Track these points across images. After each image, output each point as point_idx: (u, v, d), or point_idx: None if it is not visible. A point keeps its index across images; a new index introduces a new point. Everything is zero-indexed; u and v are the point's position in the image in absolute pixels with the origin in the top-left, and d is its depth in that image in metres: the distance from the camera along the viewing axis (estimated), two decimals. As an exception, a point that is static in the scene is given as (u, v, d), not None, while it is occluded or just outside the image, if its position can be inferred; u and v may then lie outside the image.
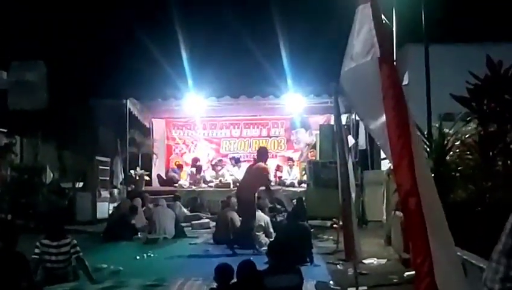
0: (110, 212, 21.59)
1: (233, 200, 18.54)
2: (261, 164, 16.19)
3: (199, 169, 26.87)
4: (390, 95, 4.34)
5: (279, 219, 17.34)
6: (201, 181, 26.14)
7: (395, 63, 4.90)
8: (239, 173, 26.14)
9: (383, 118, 4.75)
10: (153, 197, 21.56)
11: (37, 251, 11.11)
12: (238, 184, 19.84)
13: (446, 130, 10.26)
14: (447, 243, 4.00)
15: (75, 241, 11.52)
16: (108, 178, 24.29)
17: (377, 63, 4.79)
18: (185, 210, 21.82)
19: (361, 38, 5.25)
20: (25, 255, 10.39)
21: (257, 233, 15.46)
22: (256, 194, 16.30)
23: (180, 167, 28.19)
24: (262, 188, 16.43)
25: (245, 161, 27.60)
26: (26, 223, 18.72)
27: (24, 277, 9.92)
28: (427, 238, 3.71)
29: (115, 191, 24.38)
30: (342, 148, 9.18)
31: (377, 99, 4.95)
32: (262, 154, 16.62)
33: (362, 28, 5.21)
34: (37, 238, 11.61)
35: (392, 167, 4.79)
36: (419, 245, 3.66)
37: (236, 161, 27.23)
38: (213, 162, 27.52)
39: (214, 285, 8.28)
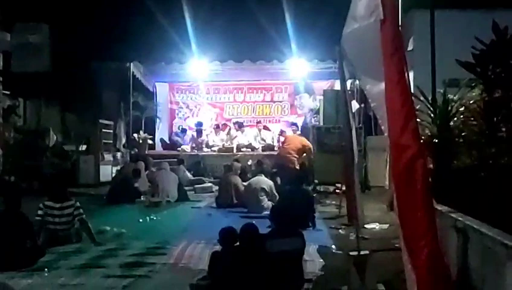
0: (113, 175, 21.65)
1: (236, 164, 18.58)
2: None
3: (201, 133, 26.85)
4: (395, 59, 4.31)
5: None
6: (204, 145, 26.16)
7: (400, 28, 4.85)
8: (242, 137, 26.19)
9: (383, 82, 4.73)
10: (156, 160, 21.61)
11: (40, 212, 11.16)
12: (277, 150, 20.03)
13: (450, 96, 10.21)
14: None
15: (78, 204, 11.55)
16: (111, 141, 24.36)
17: (379, 26, 4.75)
18: (188, 174, 21.85)
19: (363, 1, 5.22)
20: (28, 216, 10.47)
21: (260, 197, 15.49)
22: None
23: (183, 130, 28.16)
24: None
25: (248, 126, 27.61)
26: (29, 185, 18.78)
27: (27, 237, 9.99)
28: (432, 203, 3.71)
29: (118, 154, 24.44)
30: (346, 114, 9.13)
31: (377, 63, 4.92)
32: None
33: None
34: (40, 200, 11.65)
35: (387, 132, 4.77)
36: (424, 210, 3.65)
37: (240, 126, 27.19)
38: (216, 126, 27.47)
39: (217, 248, 8.32)
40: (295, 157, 17.95)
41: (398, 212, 4.26)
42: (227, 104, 29.58)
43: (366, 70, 5.39)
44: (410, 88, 4.18)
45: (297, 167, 18.20)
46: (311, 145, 18.63)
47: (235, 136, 26.45)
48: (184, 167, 21.66)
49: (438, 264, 3.45)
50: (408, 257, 3.65)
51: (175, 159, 22.11)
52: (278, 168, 18.38)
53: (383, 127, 5.42)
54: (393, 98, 4.18)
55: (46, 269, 9.30)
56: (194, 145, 26.27)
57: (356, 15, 5.32)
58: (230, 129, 27.23)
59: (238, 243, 7.91)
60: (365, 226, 12.33)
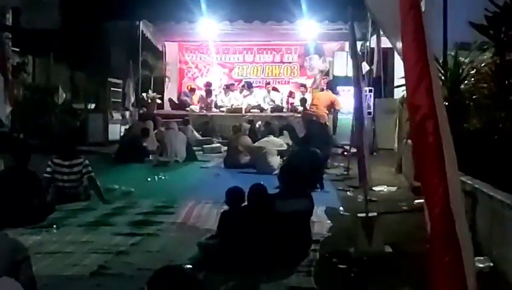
0: (122, 134, 21.68)
1: (245, 125, 18.57)
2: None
3: (210, 93, 26.84)
4: (411, 17, 4.25)
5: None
6: (212, 105, 26.17)
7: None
8: (251, 98, 26.16)
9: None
10: (165, 120, 21.61)
11: (49, 169, 11.22)
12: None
13: (462, 59, 10.16)
14: (455, 170, 3.96)
15: (87, 162, 11.60)
16: (120, 100, 24.37)
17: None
18: (197, 134, 21.88)
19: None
20: (37, 173, 10.51)
21: (270, 157, 15.51)
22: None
23: (192, 90, 28.13)
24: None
25: (257, 87, 27.57)
26: (38, 143, 18.82)
27: (36, 194, 10.03)
28: (444, 162, 3.68)
29: (127, 113, 24.45)
30: (357, 75, 9.09)
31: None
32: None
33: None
34: (49, 157, 11.68)
35: (405, 93, 4.75)
36: (436, 168, 3.63)
37: (249, 86, 27.16)
38: (225, 87, 27.43)
39: (225, 208, 8.34)
40: (326, 113, 17.85)
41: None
42: (236, 64, 29.52)
43: (393, 28, 5.33)
44: (426, 46, 4.13)
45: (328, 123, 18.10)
46: (338, 99, 18.49)
47: (246, 96, 26.44)
48: (191, 126, 21.66)
49: (448, 222, 3.43)
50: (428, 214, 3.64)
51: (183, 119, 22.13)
52: (309, 127, 18.27)
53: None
54: (408, 55, 4.14)
55: (54, 226, 9.37)
56: (202, 105, 26.28)
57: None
58: (240, 90, 27.18)
59: (246, 203, 7.94)
60: (373, 188, 12.35)
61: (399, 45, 4.71)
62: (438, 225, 3.45)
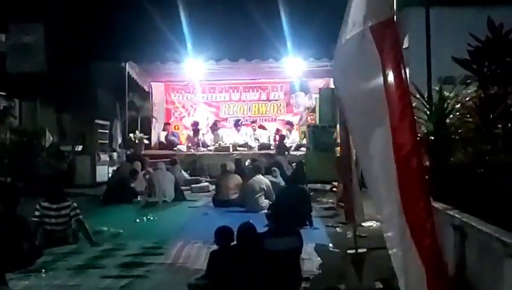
0: (110, 175, 21.64)
1: (233, 164, 18.59)
2: None
3: (197, 132, 26.89)
4: (391, 56, 4.31)
5: (276, 181, 17.25)
6: (200, 144, 26.20)
7: (396, 26, 4.87)
8: (238, 136, 26.24)
9: (360, 92, 4.77)
10: (153, 160, 21.60)
11: (37, 213, 11.18)
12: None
13: (446, 93, 10.23)
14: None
15: (75, 204, 11.56)
16: (107, 141, 24.33)
17: (367, 31, 4.77)
18: (185, 174, 21.87)
19: (356, 5, 5.23)
20: (25, 217, 10.46)
21: (258, 196, 15.53)
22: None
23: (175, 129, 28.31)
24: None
25: (244, 125, 27.65)
26: (25, 186, 18.74)
27: (24, 239, 9.97)
28: (429, 198, 3.71)
29: (114, 154, 24.42)
30: (343, 111, 9.15)
31: (357, 73, 4.97)
32: None
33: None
34: (36, 201, 11.64)
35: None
36: (421, 206, 3.65)
37: (236, 124, 27.26)
38: (212, 125, 27.50)
39: (214, 248, 8.32)
40: None
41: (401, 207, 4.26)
42: (223, 103, 29.61)
43: (346, 80, 5.43)
44: (407, 84, 4.17)
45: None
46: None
47: (232, 135, 26.54)
48: (179, 166, 21.65)
49: (438, 260, 3.46)
50: (415, 251, 3.65)
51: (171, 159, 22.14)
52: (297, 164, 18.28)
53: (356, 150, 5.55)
54: (390, 94, 4.18)
55: (43, 270, 9.32)
56: (190, 144, 26.30)
57: (346, 30, 5.36)
58: (226, 128, 27.28)
59: (235, 242, 7.93)
60: (362, 224, 12.34)
61: (346, 94, 4.81)
62: (427, 258, 3.47)
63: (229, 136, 26.64)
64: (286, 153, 23.12)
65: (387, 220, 4.42)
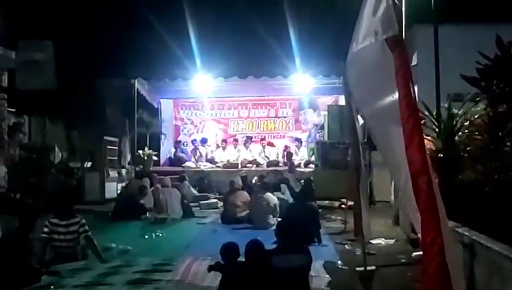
0: (119, 192, 21.66)
1: (241, 180, 18.59)
2: None
3: (197, 149, 27.08)
4: (401, 74, 4.32)
5: (285, 198, 17.24)
6: (205, 160, 26.29)
7: (404, 43, 4.89)
8: (247, 153, 26.25)
9: (381, 102, 4.76)
10: (161, 177, 21.62)
11: (46, 230, 11.18)
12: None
13: (455, 111, 10.24)
14: (447, 223, 3.99)
15: (83, 221, 11.56)
16: (116, 158, 24.37)
17: (382, 44, 4.78)
18: (193, 190, 21.87)
19: (367, 19, 5.24)
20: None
21: (266, 213, 15.52)
22: None
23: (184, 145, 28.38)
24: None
25: (253, 142, 27.66)
26: (35, 203, 18.77)
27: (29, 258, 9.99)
28: (439, 217, 3.70)
29: (123, 171, 24.47)
30: (353, 128, 9.12)
31: (377, 83, 4.96)
32: None
33: (370, 9, 5.19)
34: (45, 217, 11.65)
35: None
36: (430, 225, 3.65)
37: (246, 141, 27.28)
38: (222, 142, 27.56)
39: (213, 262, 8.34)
40: None
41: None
42: (231, 120, 29.68)
43: (365, 94, 5.41)
44: (416, 103, 4.19)
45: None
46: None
47: (241, 152, 26.56)
48: (188, 183, 21.66)
49: (445, 279, 3.45)
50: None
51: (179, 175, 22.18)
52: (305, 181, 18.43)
53: (378, 148, 5.53)
54: (401, 112, 4.19)
55: (52, 287, 9.30)
56: (193, 159, 26.40)
57: (358, 38, 5.36)
58: (236, 145, 27.29)
59: (243, 259, 7.91)
60: (371, 241, 12.33)
61: (368, 110, 4.79)
62: (434, 280, 3.47)
63: (238, 153, 26.61)
64: (296, 170, 23.07)
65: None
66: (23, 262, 9.58)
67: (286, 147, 27.21)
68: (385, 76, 4.66)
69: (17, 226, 10.24)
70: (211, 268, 8.28)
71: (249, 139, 27.56)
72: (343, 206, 17.78)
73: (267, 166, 25.15)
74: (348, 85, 6.70)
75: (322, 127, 26.63)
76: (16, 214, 10.83)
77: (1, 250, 9.71)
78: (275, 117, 29.51)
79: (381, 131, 5.12)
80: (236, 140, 27.71)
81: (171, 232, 15.33)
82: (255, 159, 25.92)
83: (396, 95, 4.33)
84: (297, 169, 23.83)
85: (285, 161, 25.65)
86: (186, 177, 22.05)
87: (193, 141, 28.01)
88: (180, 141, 28.56)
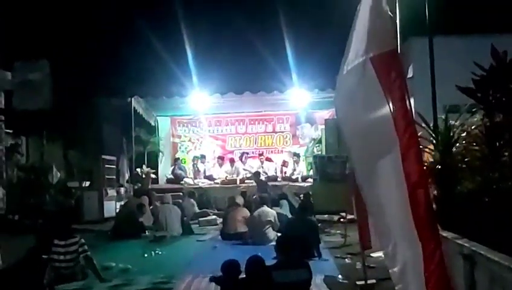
0: (117, 210, 21.64)
1: (239, 196, 18.57)
2: None
3: (202, 165, 27.11)
4: (396, 87, 4.33)
5: (283, 213, 17.23)
6: (203, 177, 26.31)
7: (399, 56, 4.90)
8: (245, 168, 26.28)
9: (363, 123, 4.78)
10: (160, 194, 21.60)
11: (45, 250, 11.17)
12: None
13: (452, 122, 10.23)
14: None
15: (82, 241, 11.54)
16: (114, 177, 24.37)
17: (364, 63, 4.80)
18: (197, 208, 21.88)
19: (358, 37, 5.26)
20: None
21: (265, 228, 15.51)
22: None
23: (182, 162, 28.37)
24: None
25: (251, 157, 27.67)
26: (33, 223, 18.74)
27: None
28: (437, 229, 3.70)
29: (122, 189, 24.47)
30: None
31: (359, 104, 4.99)
32: None
33: (361, 25, 5.22)
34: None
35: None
36: (429, 236, 3.65)
37: (242, 157, 27.29)
38: (219, 158, 27.56)
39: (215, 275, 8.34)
40: None
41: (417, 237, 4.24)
42: (229, 136, 29.72)
43: (351, 111, 5.43)
44: (412, 115, 4.19)
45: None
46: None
47: (239, 168, 26.53)
48: (193, 200, 21.74)
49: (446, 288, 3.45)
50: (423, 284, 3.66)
51: (180, 193, 22.21)
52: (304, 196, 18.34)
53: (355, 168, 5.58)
54: (396, 125, 4.19)
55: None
56: (195, 176, 26.46)
57: (345, 60, 5.38)
58: (234, 161, 27.27)
59: (244, 276, 7.91)
60: (371, 254, 12.30)
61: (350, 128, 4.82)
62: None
63: (236, 170, 26.60)
64: (268, 189, 22.70)
65: (392, 255, 4.39)
66: (38, 283, 9.59)
67: (284, 161, 27.20)
68: (367, 97, 4.69)
69: (32, 247, 10.26)
70: (213, 279, 8.30)
71: (245, 154, 27.55)
72: (342, 220, 17.77)
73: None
74: (336, 112, 6.74)
75: (320, 141, 26.68)
76: (34, 234, 10.87)
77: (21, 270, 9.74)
78: (272, 132, 29.55)
79: (361, 152, 5.15)
80: (232, 159, 27.61)
81: (170, 250, 15.31)
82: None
83: (380, 115, 4.35)
84: (296, 183, 23.91)
85: (283, 175, 25.69)
86: (196, 194, 22.22)
87: (194, 158, 27.95)
88: (178, 158, 28.52)
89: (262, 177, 24.33)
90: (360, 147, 5.25)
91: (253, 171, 25.73)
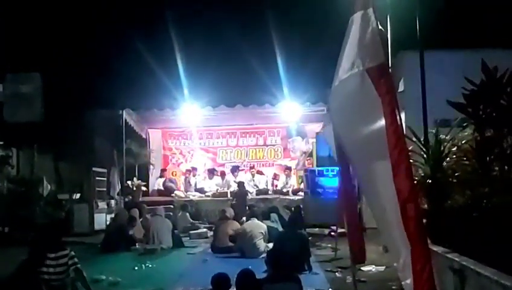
0: (108, 223, 21.58)
1: (230, 209, 18.55)
2: None
3: (194, 178, 27.06)
4: (387, 102, 4.34)
5: (274, 226, 17.22)
6: (194, 190, 26.27)
7: (390, 70, 4.93)
8: (235, 181, 26.24)
9: (362, 133, 4.79)
10: (151, 207, 21.55)
11: (34, 263, 11.10)
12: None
13: (442, 136, 10.27)
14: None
15: (73, 253, 11.47)
16: (105, 189, 24.31)
17: (363, 75, 4.81)
18: (191, 220, 21.86)
19: (349, 51, 5.28)
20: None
21: (256, 241, 15.49)
22: None
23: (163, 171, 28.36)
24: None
25: (242, 170, 27.62)
26: (23, 236, 18.67)
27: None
28: (427, 244, 3.71)
29: (112, 202, 24.40)
30: (342, 155, 9.15)
31: (357, 114, 4.99)
32: None
33: (354, 38, 5.23)
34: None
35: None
36: (419, 252, 3.65)
37: (234, 170, 27.24)
38: (210, 171, 27.51)
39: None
40: None
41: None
42: (220, 149, 29.64)
43: (346, 123, 5.44)
44: (402, 129, 4.20)
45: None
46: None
47: (230, 181, 26.48)
48: (188, 214, 21.78)
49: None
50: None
51: (171, 206, 22.18)
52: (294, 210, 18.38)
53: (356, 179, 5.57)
54: (388, 140, 4.20)
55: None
56: (185, 189, 26.44)
57: (340, 70, 5.39)
58: (225, 174, 27.23)
59: (234, 289, 7.89)
60: (361, 268, 12.32)
61: (348, 139, 4.82)
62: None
63: (226, 183, 26.56)
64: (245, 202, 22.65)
65: (403, 267, 4.37)
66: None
67: (275, 175, 27.19)
68: (365, 107, 4.70)
69: (25, 259, 10.19)
70: None
71: (236, 168, 27.50)
72: (333, 233, 17.77)
73: (257, 194, 25.09)
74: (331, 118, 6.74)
75: (311, 155, 26.69)
76: (25, 247, 10.79)
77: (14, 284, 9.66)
78: (263, 145, 29.50)
79: (362, 162, 5.14)
80: (223, 172, 27.58)
81: (161, 263, 15.27)
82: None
83: (377, 126, 4.36)
84: (287, 197, 23.94)
85: (274, 189, 25.71)
86: (189, 207, 22.22)
87: (186, 171, 27.91)
88: (166, 170, 28.42)
89: (250, 190, 24.43)
90: (357, 153, 5.25)
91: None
